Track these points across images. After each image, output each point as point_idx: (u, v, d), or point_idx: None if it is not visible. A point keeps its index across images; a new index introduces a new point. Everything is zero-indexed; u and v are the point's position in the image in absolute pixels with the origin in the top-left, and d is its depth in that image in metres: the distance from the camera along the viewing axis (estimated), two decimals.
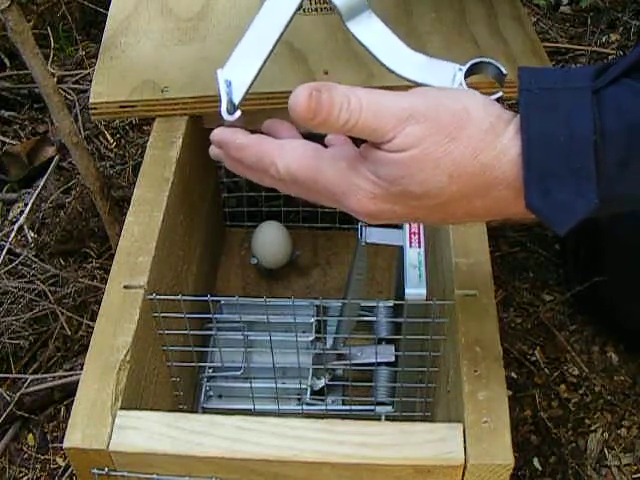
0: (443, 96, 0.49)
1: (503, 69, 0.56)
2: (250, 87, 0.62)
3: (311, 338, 0.90)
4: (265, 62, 0.62)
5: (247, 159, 0.54)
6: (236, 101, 0.61)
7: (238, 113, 0.60)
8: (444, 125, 0.47)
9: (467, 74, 0.57)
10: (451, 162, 0.47)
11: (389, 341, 0.90)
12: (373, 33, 0.61)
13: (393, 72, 0.60)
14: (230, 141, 0.55)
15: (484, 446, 0.56)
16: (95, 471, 0.58)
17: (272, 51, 0.62)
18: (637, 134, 0.45)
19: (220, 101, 0.60)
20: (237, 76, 0.61)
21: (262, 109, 0.82)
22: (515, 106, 0.49)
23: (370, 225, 0.78)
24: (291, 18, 0.62)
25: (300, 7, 0.63)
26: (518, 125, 0.47)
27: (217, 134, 0.57)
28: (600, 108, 0.45)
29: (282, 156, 0.52)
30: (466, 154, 0.47)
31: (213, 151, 0.59)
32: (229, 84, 0.61)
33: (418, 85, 0.58)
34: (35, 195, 1.19)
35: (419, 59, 0.60)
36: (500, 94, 0.54)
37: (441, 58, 0.59)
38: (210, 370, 0.90)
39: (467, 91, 0.52)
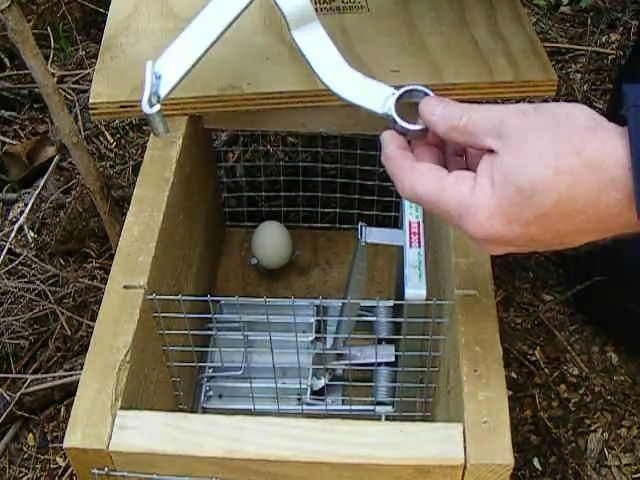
0: (537, 104, 0.51)
1: (431, 94, 0.57)
2: (179, 83, 0.62)
3: (311, 338, 0.91)
4: (198, 60, 0.63)
5: (388, 169, 0.56)
6: (162, 94, 0.61)
7: (157, 107, 0.60)
8: (544, 121, 0.49)
9: (400, 99, 0.58)
10: (554, 155, 0.47)
11: (389, 341, 0.90)
12: (315, 45, 0.62)
13: (327, 87, 0.61)
14: (385, 145, 0.57)
15: (484, 446, 0.56)
16: (95, 471, 0.58)
17: (207, 50, 0.63)
18: None
19: (143, 93, 0.60)
20: (168, 70, 0.62)
21: (262, 109, 0.82)
22: None
23: (370, 225, 0.79)
24: (233, 21, 0.63)
25: (243, 11, 0.63)
26: (621, 132, 0.47)
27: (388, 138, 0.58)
28: None
29: (411, 176, 0.54)
30: (568, 149, 0.47)
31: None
32: (158, 77, 0.61)
33: (347, 102, 0.60)
34: (35, 195, 1.19)
35: (355, 78, 0.60)
36: (423, 125, 0.56)
37: (378, 80, 0.60)
38: (210, 370, 0.90)
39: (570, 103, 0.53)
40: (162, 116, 0.62)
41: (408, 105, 0.58)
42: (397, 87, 0.58)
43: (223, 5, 0.63)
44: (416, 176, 0.54)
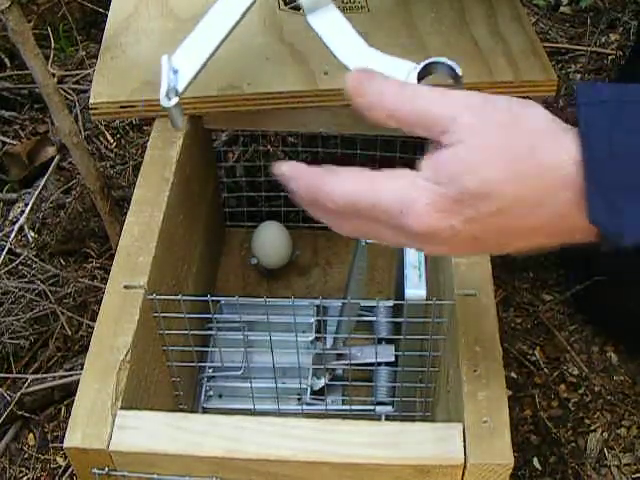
0: (495, 97, 0.49)
1: (458, 70, 0.54)
2: (196, 76, 0.62)
3: (311, 338, 0.91)
4: (213, 54, 0.63)
5: (301, 194, 0.51)
6: (180, 89, 0.61)
7: (175, 99, 0.61)
8: (500, 119, 0.47)
9: (422, 74, 0.56)
10: (507, 155, 0.46)
11: (389, 341, 0.90)
12: (331, 27, 0.61)
13: (347, 67, 0.60)
14: (295, 175, 0.52)
15: (484, 446, 0.56)
16: (95, 471, 0.58)
17: (221, 43, 0.63)
18: None
19: (161, 87, 0.61)
20: (184, 64, 0.62)
21: (262, 109, 0.82)
22: None
23: None
24: (245, 12, 0.63)
25: (254, 3, 0.63)
26: (575, 131, 0.46)
27: (284, 168, 0.53)
28: None
29: (338, 183, 0.49)
30: (523, 149, 0.46)
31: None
32: (175, 71, 0.61)
33: None
34: (35, 195, 1.19)
35: (374, 55, 0.59)
36: None
37: (397, 56, 0.58)
38: (210, 370, 0.90)
39: (524, 99, 0.50)
40: (181, 109, 0.63)
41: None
42: (419, 63, 0.56)
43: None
44: (344, 180, 0.49)
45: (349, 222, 0.50)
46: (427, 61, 0.56)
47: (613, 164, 0.44)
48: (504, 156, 0.46)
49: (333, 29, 0.61)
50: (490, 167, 0.46)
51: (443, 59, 0.55)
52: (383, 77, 0.48)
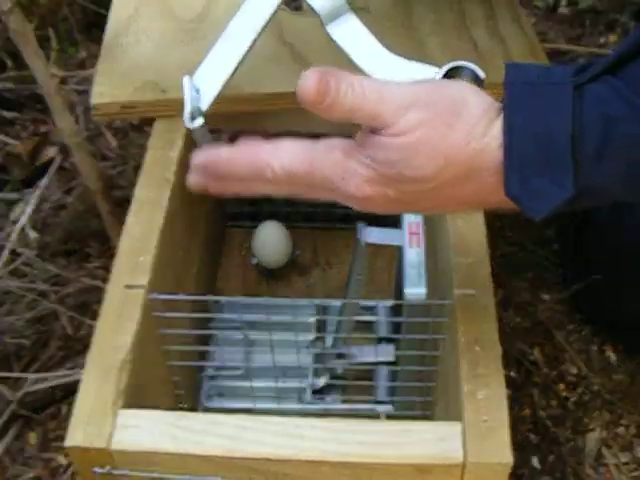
0: (444, 86, 0.52)
1: (481, 73, 0.55)
2: (219, 95, 0.61)
3: (311, 338, 0.91)
4: (235, 70, 0.62)
5: (239, 169, 0.53)
6: (203, 108, 0.61)
7: (200, 120, 0.60)
8: (443, 111, 0.49)
9: (445, 77, 0.56)
10: (447, 147, 0.49)
11: (389, 341, 0.90)
12: (352, 36, 0.61)
13: (371, 76, 0.60)
14: (216, 158, 0.54)
15: (483, 445, 0.56)
16: (96, 470, 0.58)
17: (244, 58, 0.62)
18: (613, 126, 0.47)
19: (184, 108, 0.60)
20: (206, 84, 0.61)
21: (262, 110, 0.82)
22: None
23: (370, 224, 0.79)
24: (264, 27, 0.62)
25: (273, 15, 0.63)
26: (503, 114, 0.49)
27: (199, 157, 0.55)
28: (580, 102, 0.47)
29: (276, 156, 0.52)
30: (461, 140, 0.49)
31: (192, 179, 0.56)
32: (197, 91, 0.61)
33: None
34: (37, 195, 1.19)
35: (397, 62, 0.60)
36: None
37: (419, 61, 0.59)
38: (211, 369, 0.90)
39: (465, 83, 0.53)
40: (206, 129, 0.61)
41: None
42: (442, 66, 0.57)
43: (253, 11, 0.63)
44: (284, 151, 0.52)
45: (283, 188, 0.53)
46: (450, 65, 0.56)
47: (528, 142, 0.48)
48: (442, 150, 0.49)
49: (353, 38, 0.61)
50: (428, 160, 0.49)
51: (466, 63, 0.56)
52: (335, 77, 0.49)
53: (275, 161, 0.52)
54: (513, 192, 0.49)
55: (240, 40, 0.62)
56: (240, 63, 0.62)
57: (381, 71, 0.60)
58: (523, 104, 0.48)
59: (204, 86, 0.61)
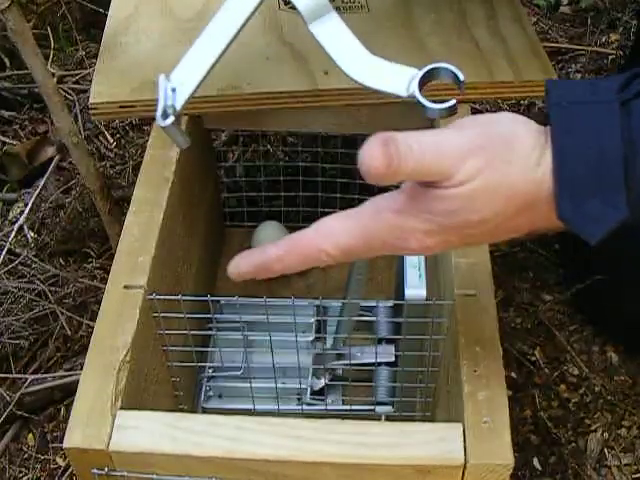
0: (494, 122, 0.50)
1: (460, 75, 0.54)
2: (193, 93, 0.62)
3: (311, 338, 0.90)
4: (211, 69, 0.62)
5: (293, 263, 0.53)
6: (178, 106, 0.61)
7: (171, 119, 0.60)
8: (499, 152, 0.48)
9: (424, 79, 0.56)
10: (508, 185, 0.48)
11: (389, 341, 0.90)
12: (332, 35, 0.61)
13: (349, 76, 0.60)
14: (266, 260, 0.54)
15: (484, 446, 0.56)
16: (95, 471, 0.58)
17: (219, 58, 0.62)
18: None
19: (157, 107, 0.60)
20: (182, 83, 0.61)
21: (262, 109, 0.82)
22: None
23: None
24: (241, 27, 0.62)
25: (252, 16, 0.63)
26: (552, 140, 0.48)
27: (247, 264, 0.56)
28: (629, 120, 0.46)
29: (327, 240, 0.51)
30: (519, 175, 0.48)
31: (241, 274, 0.57)
32: (173, 90, 0.61)
33: (370, 90, 0.58)
34: (35, 195, 1.19)
35: (377, 63, 0.59)
36: (453, 101, 0.53)
37: (400, 62, 0.58)
38: (210, 370, 0.90)
39: (510, 113, 0.52)
40: (180, 128, 0.61)
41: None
42: (420, 69, 0.56)
43: (231, 12, 0.63)
44: (330, 231, 0.51)
45: (343, 260, 0.53)
46: (429, 67, 0.56)
47: (579, 164, 0.47)
48: (503, 190, 0.48)
49: (335, 38, 0.61)
50: (488, 202, 0.48)
51: (445, 64, 0.55)
52: (395, 142, 0.47)
53: (328, 245, 0.51)
54: (566, 215, 0.48)
55: (217, 40, 0.63)
56: (217, 61, 0.63)
57: (359, 71, 0.59)
58: (571, 126, 0.47)
59: (180, 85, 0.61)
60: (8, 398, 0.96)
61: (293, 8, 0.63)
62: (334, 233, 0.51)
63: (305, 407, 0.87)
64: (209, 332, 0.83)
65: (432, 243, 0.50)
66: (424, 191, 0.49)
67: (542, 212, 0.49)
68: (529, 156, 0.48)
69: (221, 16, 0.63)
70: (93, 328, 0.64)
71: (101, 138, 1.31)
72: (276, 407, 0.82)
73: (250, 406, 0.81)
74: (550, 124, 0.48)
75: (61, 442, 0.58)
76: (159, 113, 0.60)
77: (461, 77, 0.54)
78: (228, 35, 0.63)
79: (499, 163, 0.48)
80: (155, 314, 0.68)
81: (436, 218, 0.49)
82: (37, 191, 1.20)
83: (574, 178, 0.47)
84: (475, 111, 1.05)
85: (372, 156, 0.46)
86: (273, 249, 0.53)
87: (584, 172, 0.47)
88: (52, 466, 0.95)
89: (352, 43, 0.61)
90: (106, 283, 0.67)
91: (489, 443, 0.56)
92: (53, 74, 1.31)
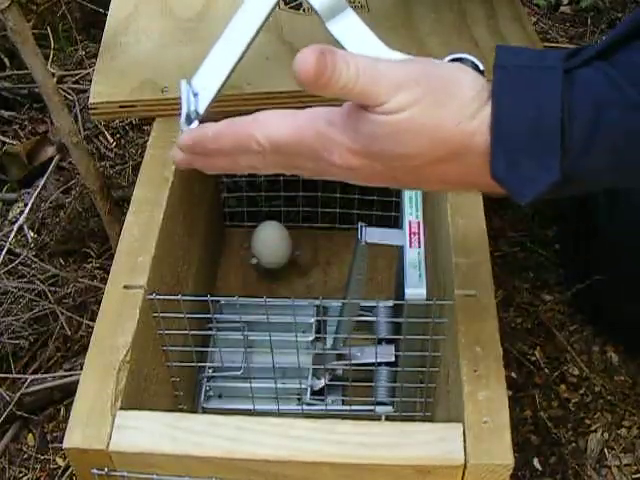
0: (438, 65, 0.51)
1: (480, 65, 0.55)
2: (215, 98, 0.62)
3: (311, 338, 0.91)
4: (232, 73, 0.62)
5: (225, 144, 0.53)
6: (201, 111, 0.61)
7: (196, 123, 0.60)
8: (434, 90, 0.49)
9: None
10: (435, 127, 0.48)
11: (389, 341, 0.90)
12: (350, 32, 0.61)
13: None
14: (203, 136, 0.55)
15: (484, 446, 0.56)
16: (95, 471, 0.58)
17: (240, 60, 0.63)
18: (603, 112, 0.46)
19: (181, 111, 0.60)
20: (204, 86, 0.62)
21: (262, 109, 0.82)
22: None
23: (370, 225, 0.78)
24: (259, 29, 0.63)
25: (268, 19, 0.63)
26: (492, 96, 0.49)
27: (187, 138, 0.56)
28: (570, 87, 0.47)
29: (260, 127, 0.52)
30: (450, 120, 0.48)
31: (179, 157, 0.57)
32: (195, 95, 0.61)
33: None
34: (35, 195, 1.19)
35: (396, 58, 0.59)
36: None
37: (419, 56, 0.59)
38: (210, 370, 0.90)
39: (460, 64, 0.53)
40: None
41: None
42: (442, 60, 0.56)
43: (248, 14, 0.63)
44: (267, 121, 0.52)
45: (268, 160, 0.53)
46: (450, 57, 0.56)
47: (517, 125, 0.47)
48: (428, 130, 0.48)
49: (353, 35, 0.61)
50: (412, 139, 0.48)
51: (466, 55, 0.55)
52: (332, 55, 0.48)
53: (259, 132, 0.52)
54: (499, 175, 0.48)
55: (237, 42, 0.63)
56: (237, 64, 0.63)
57: None
58: (513, 87, 0.48)
59: (202, 89, 0.62)
60: (8, 398, 0.96)
61: (296, 8, 0.63)
62: (268, 125, 0.51)
63: (305, 407, 0.87)
64: (209, 332, 0.83)
65: (356, 164, 0.50)
66: (357, 111, 0.49)
67: (474, 166, 0.49)
68: (466, 106, 0.48)
69: (238, 19, 0.63)
70: (93, 328, 0.64)
71: (101, 138, 1.31)
72: (276, 407, 0.82)
73: (250, 406, 0.81)
74: (492, 85, 0.48)
75: (61, 442, 0.58)
76: (183, 119, 0.60)
77: (481, 67, 0.55)
78: (246, 37, 0.63)
79: (430, 103, 0.48)
80: (155, 314, 0.68)
81: (360, 138, 0.49)
82: (37, 191, 1.20)
83: (510, 135, 0.47)
84: None
85: (305, 60, 0.47)
86: (211, 126, 0.54)
87: (520, 131, 0.47)
88: (52, 466, 0.95)
89: (370, 39, 0.61)
90: (106, 283, 0.67)
91: (489, 443, 0.56)
92: (53, 74, 1.31)
